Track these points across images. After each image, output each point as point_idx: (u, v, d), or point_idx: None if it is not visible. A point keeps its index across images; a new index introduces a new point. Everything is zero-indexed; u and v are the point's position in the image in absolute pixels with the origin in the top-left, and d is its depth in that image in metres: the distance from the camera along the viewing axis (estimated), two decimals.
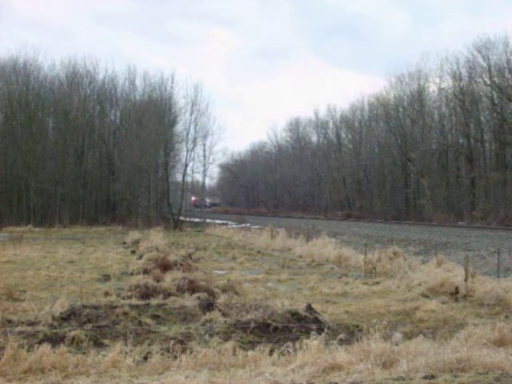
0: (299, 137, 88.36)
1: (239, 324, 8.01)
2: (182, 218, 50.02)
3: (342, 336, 7.21)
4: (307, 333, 7.56)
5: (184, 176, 50.84)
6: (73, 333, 7.44)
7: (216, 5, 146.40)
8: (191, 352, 6.55)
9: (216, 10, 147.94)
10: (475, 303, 11.29)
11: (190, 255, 19.91)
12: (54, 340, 7.21)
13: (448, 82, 53.01)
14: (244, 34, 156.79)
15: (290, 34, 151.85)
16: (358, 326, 8.57)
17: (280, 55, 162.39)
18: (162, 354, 6.51)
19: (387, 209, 57.40)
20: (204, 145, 51.53)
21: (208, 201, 66.64)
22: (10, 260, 19.21)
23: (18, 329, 7.71)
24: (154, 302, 10.39)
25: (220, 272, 16.69)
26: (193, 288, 11.65)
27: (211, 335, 7.57)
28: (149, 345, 7.07)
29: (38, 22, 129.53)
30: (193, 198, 50.81)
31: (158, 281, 12.37)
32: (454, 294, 12.08)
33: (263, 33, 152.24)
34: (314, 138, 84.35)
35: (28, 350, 6.38)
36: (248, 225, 46.33)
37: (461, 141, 53.40)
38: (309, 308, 8.97)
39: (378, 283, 14.01)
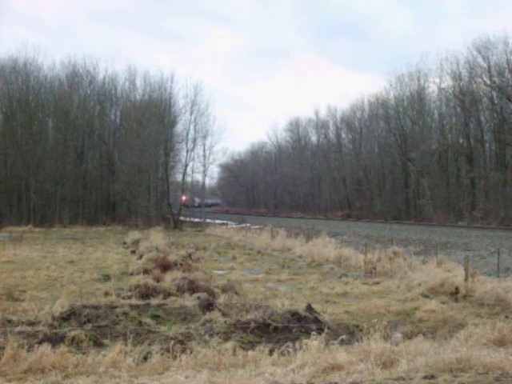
0: (299, 137, 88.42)
1: (239, 324, 8.01)
2: (182, 218, 50.02)
3: (342, 336, 7.21)
4: (307, 333, 7.56)
5: (184, 176, 50.93)
6: (73, 333, 7.43)
7: (216, 3, 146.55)
8: (191, 352, 6.55)
9: (216, 8, 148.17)
10: (475, 303, 11.29)
11: (190, 255, 19.91)
12: (54, 340, 7.21)
13: (448, 82, 53.12)
14: (244, 33, 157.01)
15: (289, 33, 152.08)
16: (358, 326, 8.57)
17: (280, 54, 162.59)
18: (162, 354, 6.51)
19: (387, 209, 57.40)
20: (204, 145, 51.62)
21: (197, 200, 65.93)
22: (10, 260, 19.20)
23: (18, 329, 7.71)
24: (154, 302, 10.38)
25: (220, 272, 16.69)
26: (193, 288, 11.65)
27: (211, 335, 7.57)
28: (149, 345, 7.06)
29: (36, 21, 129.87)
30: (183, 198, 50.56)
31: (158, 281, 12.37)
32: (454, 293, 12.07)
33: (263, 32, 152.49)
34: (314, 138, 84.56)
35: (28, 350, 6.38)
36: (248, 225, 46.34)
37: (461, 141, 53.40)
38: (309, 308, 8.97)
39: (377, 283, 14.00)
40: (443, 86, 53.72)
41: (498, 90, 46.86)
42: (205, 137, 51.23)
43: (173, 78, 53.46)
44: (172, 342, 6.95)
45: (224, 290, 11.62)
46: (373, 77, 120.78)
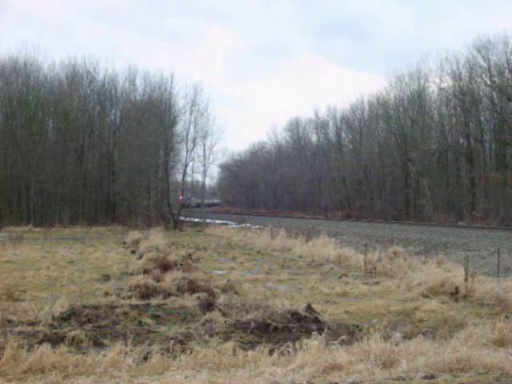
0: (299, 137, 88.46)
1: (239, 324, 8.01)
2: (182, 218, 50.02)
3: (342, 336, 7.21)
4: (307, 333, 7.56)
5: (184, 176, 50.92)
6: (73, 333, 7.43)
7: (216, 2, 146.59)
8: (191, 352, 6.55)
9: (216, 7, 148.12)
10: (475, 303, 11.29)
11: (190, 255, 19.90)
12: (54, 340, 7.21)
13: (448, 82, 53.12)
14: (244, 33, 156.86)
15: (290, 33, 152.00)
16: (358, 326, 8.57)
17: (280, 54, 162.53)
18: (162, 354, 6.51)
19: (387, 209, 57.40)
20: (204, 145, 51.54)
21: (195, 200, 65.78)
22: (10, 260, 19.19)
23: (18, 329, 7.71)
24: (154, 302, 10.39)
25: (220, 272, 16.69)
26: (193, 288, 11.65)
27: (211, 335, 7.57)
28: (149, 345, 7.06)
29: (36, 20, 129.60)
30: (180, 197, 50.46)
31: (158, 281, 12.37)
32: (454, 293, 12.08)
33: (263, 31, 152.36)
34: (314, 138, 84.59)
35: (28, 350, 6.37)
36: (248, 225, 46.30)
37: (461, 141, 53.42)
38: (309, 308, 8.97)
39: (378, 283, 14.00)
40: (443, 86, 53.78)
41: (498, 90, 46.86)
42: (205, 137, 51.25)
43: (173, 78, 53.39)
44: (172, 341, 6.95)
45: (224, 290, 11.63)
46: (373, 76, 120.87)
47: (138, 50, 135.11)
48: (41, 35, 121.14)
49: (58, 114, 51.43)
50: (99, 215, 50.39)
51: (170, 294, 11.24)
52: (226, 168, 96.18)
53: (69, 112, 50.90)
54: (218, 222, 52.70)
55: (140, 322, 8.59)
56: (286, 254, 23.10)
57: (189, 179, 55.25)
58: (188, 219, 52.80)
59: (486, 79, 48.52)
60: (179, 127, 52.18)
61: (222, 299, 10.20)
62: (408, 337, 7.87)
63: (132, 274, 14.85)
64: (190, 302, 10.34)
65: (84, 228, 42.45)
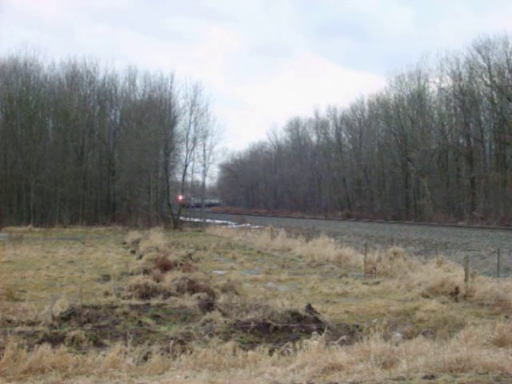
0: (299, 137, 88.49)
1: (239, 324, 8.01)
2: (181, 218, 49.99)
3: (342, 336, 7.21)
4: (307, 333, 7.56)
5: (184, 176, 50.91)
6: (73, 333, 7.43)
7: (216, 2, 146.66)
8: (191, 352, 6.54)
9: (216, 7, 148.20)
10: (475, 303, 11.29)
11: (190, 255, 19.89)
12: (54, 340, 7.21)
13: (448, 82, 53.15)
14: (244, 33, 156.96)
15: (290, 33, 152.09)
16: (358, 326, 8.56)
17: (280, 54, 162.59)
18: (162, 354, 6.50)
19: (387, 209, 57.40)
20: (204, 145, 51.55)
21: (194, 200, 65.72)
22: (10, 260, 19.19)
23: (18, 329, 7.71)
24: (154, 302, 10.39)
25: (220, 272, 16.68)
26: (193, 288, 11.64)
27: (211, 335, 7.57)
28: (149, 345, 7.06)
29: (36, 20, 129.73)
30: (180, 197, 50.25)
31: (158, 281, 12.37)
32: (454, 293, 12.07)
33: (263, 31, 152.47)
34: (314, 138, 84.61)
35: (28, 350, 6.37)
36: (248, 225, 46.29)
37: (461, 141, 53.43)
38: (309, 308, 8.97)
39: (378, 283, 14.00)
40: (443, 86, 53.80)
41: (498, 90, 46.87)
42: (205, 137, 51.26)
43: (173, 78, 53.34)
44: (172, 341, 6.94)
45: (224, 290, 11.62)
46: (373, 76, 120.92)
47: (138, 50, 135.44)
48: (41, 35, 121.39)
49: (58, 114, 51.44)
50: (99, 215, 50.40)
51: (170, 294, 11.23)
52: (226, 168, 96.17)
53: (69, 112, 50.92)
54: (217, 222, 52.69)
55: (140, 322, 8.59)
56: (286, 253, 23.09)
57: (189, 179, 55.30)
58: (188, 219, 52.78)
59: (486, 79, 48.55)
60: (179, 127, 52.26)
61: (221, 299, 10.20)
62: (408, 337, 7.87)
63: (132, 274, 14.84)
64: (190, 302, 10.34)
65: (84, 228, 42.45)
